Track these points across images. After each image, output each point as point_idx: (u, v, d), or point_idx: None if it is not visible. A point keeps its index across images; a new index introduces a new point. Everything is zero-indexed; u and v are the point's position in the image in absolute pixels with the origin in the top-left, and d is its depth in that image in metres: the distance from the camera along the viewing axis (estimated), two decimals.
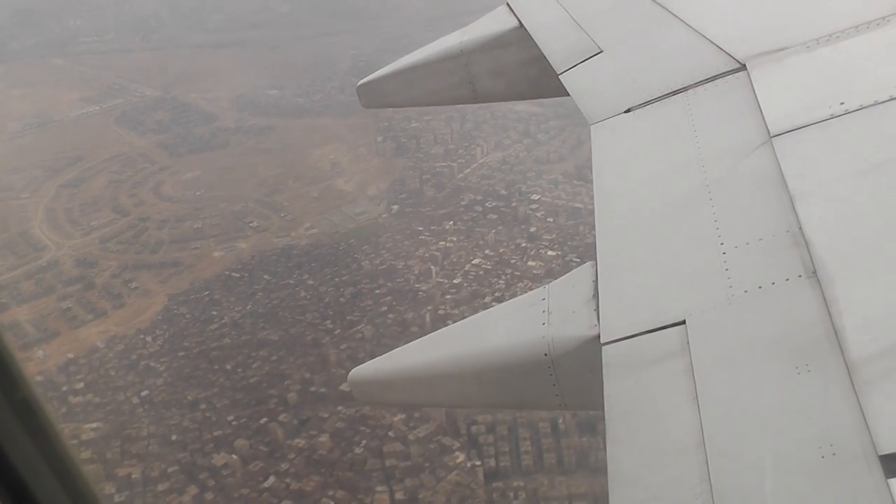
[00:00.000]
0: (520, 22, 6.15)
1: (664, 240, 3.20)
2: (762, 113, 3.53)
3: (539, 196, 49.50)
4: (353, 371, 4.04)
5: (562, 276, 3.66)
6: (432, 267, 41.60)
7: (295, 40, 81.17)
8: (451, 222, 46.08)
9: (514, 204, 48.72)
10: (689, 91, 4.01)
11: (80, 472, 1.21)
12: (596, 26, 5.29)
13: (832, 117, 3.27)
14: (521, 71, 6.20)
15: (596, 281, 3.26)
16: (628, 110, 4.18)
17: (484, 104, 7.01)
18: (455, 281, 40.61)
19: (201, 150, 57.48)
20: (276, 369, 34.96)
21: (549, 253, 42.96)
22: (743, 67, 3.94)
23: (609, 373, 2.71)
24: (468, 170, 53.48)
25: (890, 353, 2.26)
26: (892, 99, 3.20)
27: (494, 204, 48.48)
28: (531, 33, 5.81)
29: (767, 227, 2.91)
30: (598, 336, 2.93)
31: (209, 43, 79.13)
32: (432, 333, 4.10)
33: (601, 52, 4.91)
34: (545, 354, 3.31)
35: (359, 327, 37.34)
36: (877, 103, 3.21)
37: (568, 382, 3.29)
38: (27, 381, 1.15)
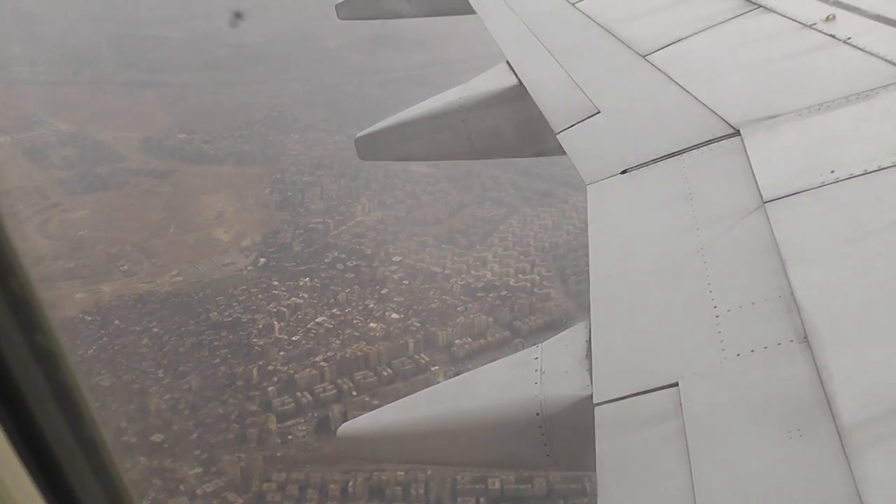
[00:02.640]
0: (519, 80, 6.10)
1: (658, 302, 3.15)
2: (755, 178, 3.51)
3: (401, 258, 50.93)
4: (342, 427, 3.99)
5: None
6: (276, 322, 42.66)
7: (222, 85, 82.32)
8: (308, 279, 47.21)
9: (375, 264, 50.07)
10: (685, 154, 3.99)
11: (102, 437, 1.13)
12: (595, 87, 5.25)
13: (823, 185, 3.25)
14: (518, 128, 6.16)
15: (589, 341, 3.23)
16: (624, 171, 4.14)
17: (481, 160, 6.86)
18: (294, 338, 41.63)
19: (97, 189, 58.15)
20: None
21: (393, 316, 44.27)
22: (737, 133, 3.95)
23: (601, 433, 2.66)
24: (343, 227, 54.80)
25: (881, 420, 2.20)
26: (881, 169, 3.18)
27: (356, 263, 49.71)
28: (530, 91, 5.74)
29: (760, 292, 2.86)
30: (591, 396, 2.88)
31: (138, 82, 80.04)
32: (422, 391, 4.05)
33: (599, 112, 4.90)
34: (537, 414, 3.26)
35: (188, 378, 38.16)
36: (866, 172, 3.20)
37: (559, 442, 3.24)
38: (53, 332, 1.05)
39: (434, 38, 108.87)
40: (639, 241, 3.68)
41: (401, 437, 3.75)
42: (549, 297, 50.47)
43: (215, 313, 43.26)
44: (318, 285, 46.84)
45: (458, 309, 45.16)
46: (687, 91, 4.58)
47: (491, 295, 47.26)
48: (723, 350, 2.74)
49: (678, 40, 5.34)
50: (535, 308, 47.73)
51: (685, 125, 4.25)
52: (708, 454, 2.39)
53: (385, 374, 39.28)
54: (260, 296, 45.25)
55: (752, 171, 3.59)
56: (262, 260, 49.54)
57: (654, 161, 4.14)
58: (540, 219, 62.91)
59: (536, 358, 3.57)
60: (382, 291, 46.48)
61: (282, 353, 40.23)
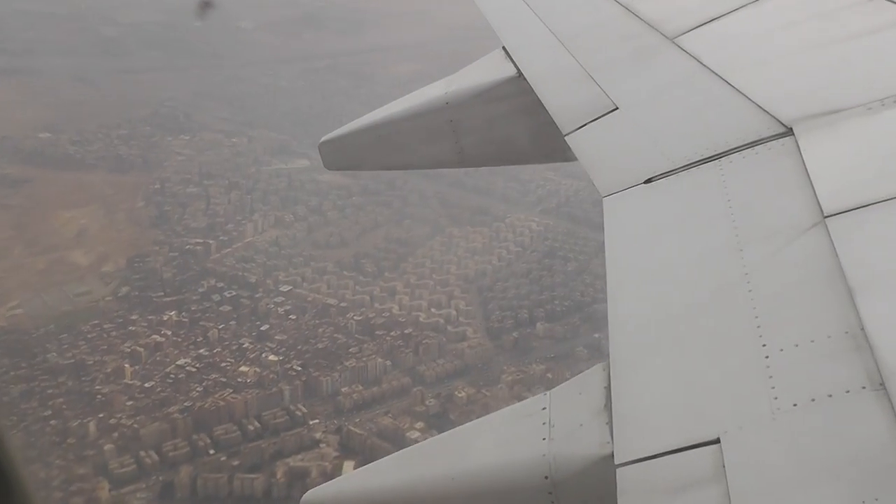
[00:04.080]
0: (518, 70, 5.89)
1: (693, 339, 3.04)
2: (813, 187, 3.34)
3: (291, 288, 51.00)
4: (306, 496, 3.74)
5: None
6: (128, 365, 42.42)
7: (108, 74, 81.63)
8: (175, 312, 47.01)
9: (258, 295, 50.09)
10: (724, 159, 3.84)
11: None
12: (611, 78, 5.05)
13: None
14: (518, 130, 5.98)
15: (608, 387, 3.11)
16: (649, 180, 4.02)
17: (472, 168, 6.68)
18: (147, 384, 41.42)
19: None
20: None
21: (271, 358, 44.30)
22: (789, 132, 3.78)
23: (625, 501, 2.56)
24: (228, 250, 54.75)
25: None
26: None
27: (236, 293, 49.66)
28: (532, 84, 5.54)
29: (821, 327, 2.73)
30: (612, 455, 2.80)
31: (1, 68, 78.93)
32: (408, 448, 3.97)
33: (617, 108, 4.72)
34: (545, 477, 3.15)
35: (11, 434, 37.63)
36: None
37: None
38: None
39: (369, 20, 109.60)
40: (668, 266, 3.50)
41: None
42: (464, 337, 50.38)
43: (55, 354, 42.87)
44: (187, 320, 46.70)
45: (350, 350, 45.39)
46: (725, 81, 4.35)
47: (392, 334, 47.55)
48: (775, 399, 2.59)
49: (713, 19, 5.03)
50: (444, 350, 48.22)
51: (724, 123, 4.08)
52: None
53: (251, 428, 39.28)
54: (114, 333, 44.97)
55: (809, 179, 3.40)
56: (125, 289, 49.28)
57: (686, 167, 3.95)
58: (468, 241, 63.40)
59: (544, 408, 3.41)
60: (262, 328, 46.53)
61: (130, 402, 40.01)
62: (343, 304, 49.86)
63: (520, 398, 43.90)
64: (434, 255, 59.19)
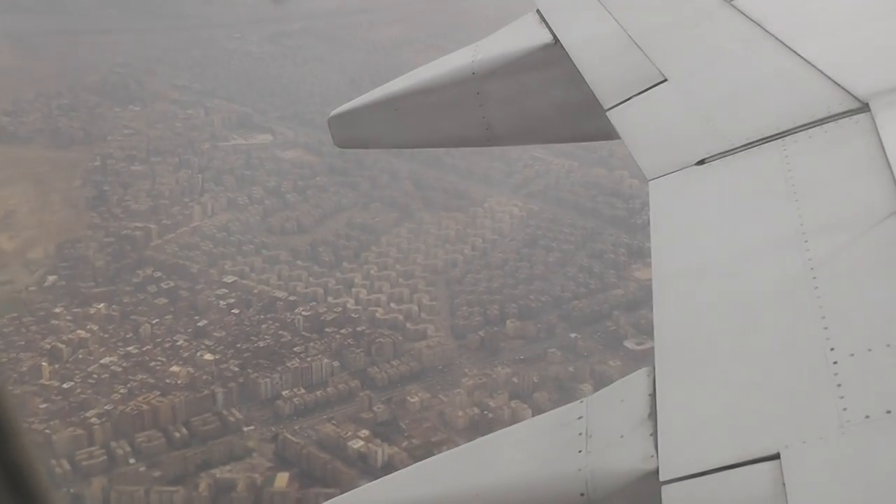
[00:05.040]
0: (554, 36, 5.76)
1: (751, 342, 2.98)
2: (892, 171, 3.26)
3: (236, 279, 51.24)
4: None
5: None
6: (47, 364, 42.80)
7: (56, 35, 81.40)
8: (104, 305, 47.34)
9: (199, 286, 50.31)
10: (788, 138, 3.75)
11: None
12: (660, 45, 4.94)
13: None
14: (553, 104, 5.89)
15: (653, 395, 3.04)
16: (701, 162, 3.94)
17: (502, 146, 6.60)
18: (66, 385, 41.78)
19: None
20: None
21: (206, 357, 44.59)
22: (864, 108, 3.70)
23: None
24: (170, 235, 55.03)
25: None
26: None
27: (174, 285, 49.95)
28: (569, 52, 5.44)
29: None
30: (656, 471, 2.73)
31: None
32: (430, 459, 3.99)
33: (665, 80, 4.61)
34: (581, 494, 3.08)
35: None
36: None
37: None
38: None
39: None
40: (723, 259, 3.42)
41: None
42: (424, 336, 50.47)
43: None
44: (117, 314, 47.04)
45: (294, 349, 45.52)
46: (790, 49, 4.23)
47: (343, 331, 47.70)
48: (844, 410, 2.51)
49: None
50: (400, 350, 48.29)
51: (789, 97, 3.99)
52: None
53: (177, 435, 39.64)
54: (34, 327, 45.36)
55: (887, 161, 3.30)
56: (52, 278, 49.57)
57: (745, 147, 3.84)
58: (440, 227, 63.15)
59: (580, 417, 3.33)
60: (200, 324, 46.79)
61: (45, 405, 40.43)
62: (292, 298, 50.04)
63: (479, 405, 43.94)
64: (400, 243, 59.64)
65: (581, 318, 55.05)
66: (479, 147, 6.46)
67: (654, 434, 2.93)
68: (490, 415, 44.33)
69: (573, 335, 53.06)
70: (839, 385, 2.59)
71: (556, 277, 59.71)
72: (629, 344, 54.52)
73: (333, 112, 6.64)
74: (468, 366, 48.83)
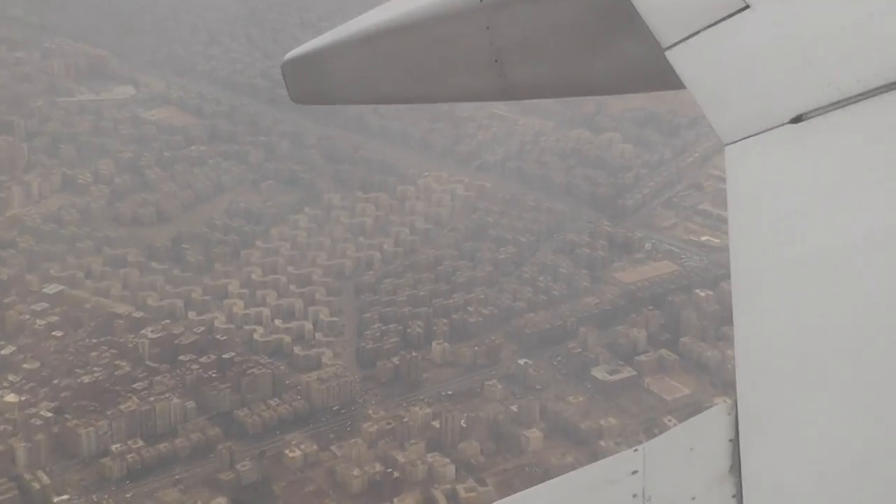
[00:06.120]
0: None
1: (871, 368, 2.99)
2: None
3: (63, 288, 50.49)
4: None
5: None
6: None
7: None
8: None
9: (9, 299, 49.98)
10: None
11: None
12: None
13: None
14: (592, 42, 6.00)
15: (735, 440, 3.13)
16: (798, 118, 3.98)
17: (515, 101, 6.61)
18: None
19: None
20: None
21: (7, 399, 44.19)
22: None
23: None
24: None
25: None
26: None
27: None
28: None
29: None
30: None
31: None
32: None
33: (747, 7, 4.64)
34: None
35: None
36: None
37: None
38: None
39: None
40: (831, 253, 3.47)
41: None
42: (318, 364, 49.38)
43: None
44: None
45: (134, 385, 44.76)
46: None
47: (204, 359, 46.74)
48: None
49: None
50: (283, 385, 47.14)
51: None
52: None
53: None
54: None
55: None
56: None
57: (858, 98, 3.84)
58: (354, 214, 61.51)
59: (635, 471, 3.41)
60: (3, 351, 45.93)
61: None
62: (138, 315, 49.23)
63: (384, 460, 43.65)
64: (297, 236, 58.35)
65: (535, 337, 53.97)
66: (488, 101, 6.86)
67: (738, 496, 2.99)
68: (396, 474, 43.38)
69: (522, 361, 52.05)
70: None
71: (507, 281, 58.33)
72: (599, 373, 53.33)
73: (289, 55, 6.65)
74: (374, 406, 47.88)
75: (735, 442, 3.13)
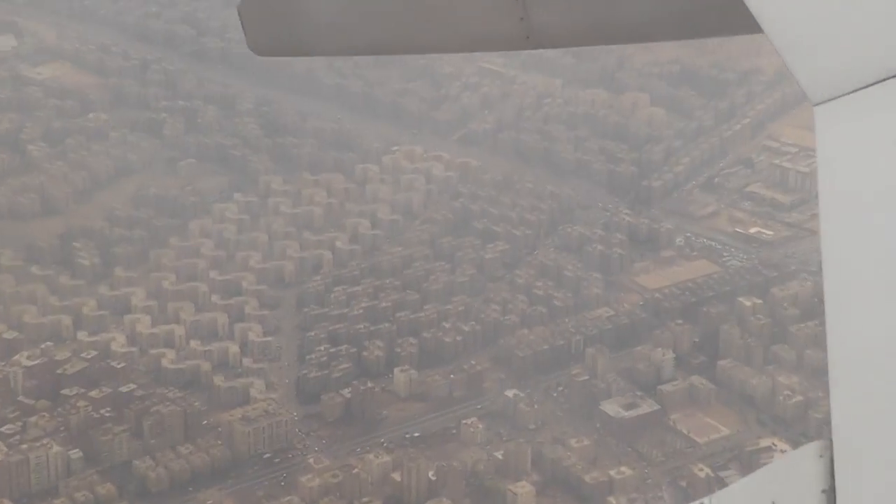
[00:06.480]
0: None
1: None
2: None
3: None
4: None
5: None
6: None
7: None
8: None
9: None
10: None
11: None
12: None
13: None
14: None
15: (831, 490, 3.28)
16: None
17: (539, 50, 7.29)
18: None
19: None
20: None
21: None
22: None
23: None
24: None
25: None
26: None
27: None
28: None
29: None
30: None
31: None
32: None
33: None
34: None
35: None
36: None
37: None
38: None
39: None
40: None
41: None
42: (245, 398, 49.41)
43: None
44: None
45: (3, 429, 44.32)
46: None
47: (95, 393, 46.52)
48: None
49: None
50: (198, 427, 46.83)
51: None
52: None
53: None
54: None
55: None
56: None
57: None
58: (300, 201, 61.10)
59: None
60: None
61: None
62: (10, 336, 49.00)
63: None
64: (223, 230, 58.48)
65: (529, 361, 54.05)
66: (505, 51, 7.29)
67: None
68: None
69: (511, 393, 51.94)
70: None
71: (494, 289, 58.06)
72: (610, 407, 53.30)
73: None
74: (317, 453, 47.58)
75: (830, 494, 3.26)
